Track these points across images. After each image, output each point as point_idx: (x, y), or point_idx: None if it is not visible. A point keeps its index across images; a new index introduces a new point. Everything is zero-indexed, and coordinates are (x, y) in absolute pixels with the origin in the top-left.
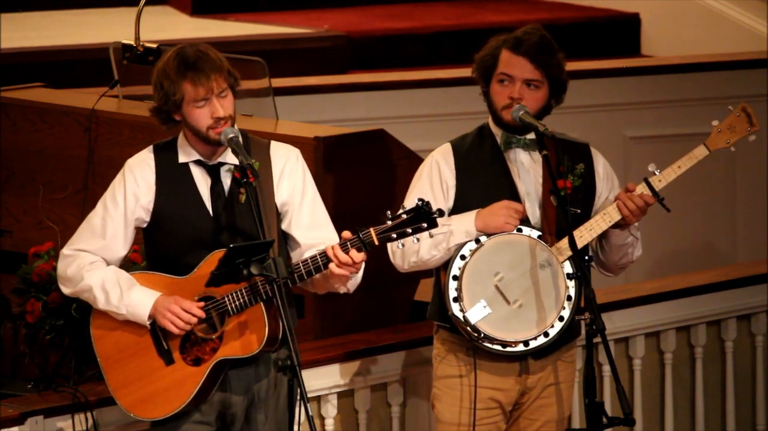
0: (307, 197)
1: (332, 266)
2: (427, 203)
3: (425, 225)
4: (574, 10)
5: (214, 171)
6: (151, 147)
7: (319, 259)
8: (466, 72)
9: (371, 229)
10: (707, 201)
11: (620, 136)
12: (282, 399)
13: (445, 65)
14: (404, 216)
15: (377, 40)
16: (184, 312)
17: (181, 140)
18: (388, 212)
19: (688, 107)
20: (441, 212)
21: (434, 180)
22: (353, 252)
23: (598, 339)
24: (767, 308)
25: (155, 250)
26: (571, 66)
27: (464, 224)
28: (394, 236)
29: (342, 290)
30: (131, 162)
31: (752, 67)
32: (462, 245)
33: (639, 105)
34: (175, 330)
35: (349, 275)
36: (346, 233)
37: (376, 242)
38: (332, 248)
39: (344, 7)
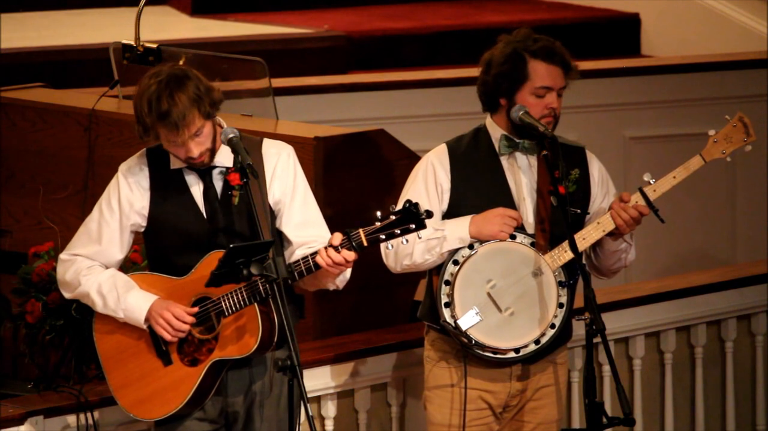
0: (298, 194)
1: (322, 264)
2: (416, 204)
3: (413, 226)
4: (574, 10)
5: (206, 175)
6: (143, 151)
7: (310, 260)
8: (466, 72)
9: (360, 230)
10: (707, 202)
11: (620, 136)
12: (283, 398)
13: (445, 65)
14: (393, 217)
15: (377, 40)
16: (175, 320)
17: None
18: (378, 213)
19: (688, 107)
20: (429, 214)
21: (429, 182)
22: (344, 252)
23: (598, 339)
24: (767, 308)
25: (153, 252)
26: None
27: (458, 230)
28: (383, 236)
29: (331, 287)
30: (124, 167)
31: (752, 67)
32: (455, 250)
33: (639, 105)
34: (168, 337)
35: (339, 272)
36: (336, 235)
37: (365, 243)
38: (324, 250)
39: (344, 7)
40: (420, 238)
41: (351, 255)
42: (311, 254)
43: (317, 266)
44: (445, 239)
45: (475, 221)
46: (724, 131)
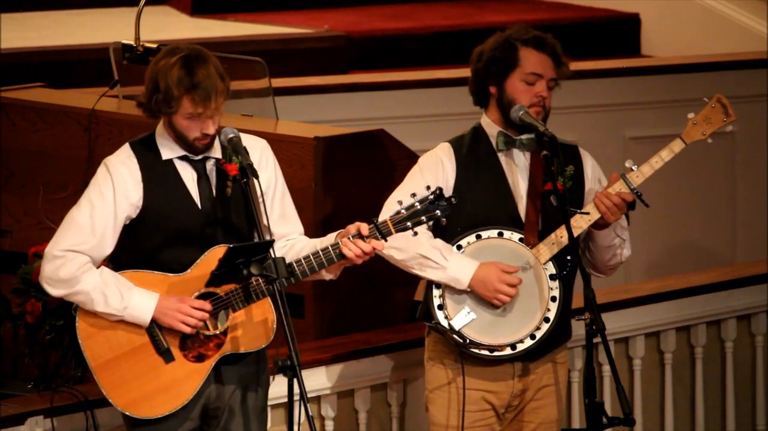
0: (279, 188)
1: (351, 256)
2: (440, 189)
3: (439, 213)
4: (574, 10)
5: (199, 166)
6: (127, 146)
7: (331, 251)
8: (466, 72)
9: (387, 219)
10: (707, 201)
11: (620, 136)
12: (261, 390)
13: (445, 65)
14: (418, 205)
15: (377, 40)
16: (194, 310)
17: (160, 137)
18: (401, 200)
19: (688, 107)
20: (455, 199)
21: (438, 175)
22: (374, 241)
23: (598, 339)
24: (767, 308)
25: (137, 246)
26: (571, 66)
27: (459, 271)
28: (410, 224)
29: (328, 277)
30: (113, 160)
31: (752, 67)
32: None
33: (639, 105)
34: (187, 330)
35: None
36: (363, 225)
37: (393, 232)
38: (349, 241)
39: (344, 7)
40: (444, 223)
41: (380, 245)
42: (332, 246)
43: (341, 256)
44: (444, 270)
45: (476, 277)
46: (703, 113)
